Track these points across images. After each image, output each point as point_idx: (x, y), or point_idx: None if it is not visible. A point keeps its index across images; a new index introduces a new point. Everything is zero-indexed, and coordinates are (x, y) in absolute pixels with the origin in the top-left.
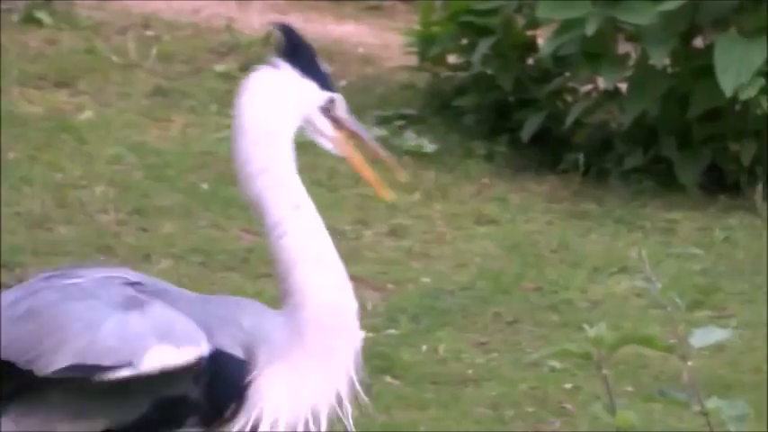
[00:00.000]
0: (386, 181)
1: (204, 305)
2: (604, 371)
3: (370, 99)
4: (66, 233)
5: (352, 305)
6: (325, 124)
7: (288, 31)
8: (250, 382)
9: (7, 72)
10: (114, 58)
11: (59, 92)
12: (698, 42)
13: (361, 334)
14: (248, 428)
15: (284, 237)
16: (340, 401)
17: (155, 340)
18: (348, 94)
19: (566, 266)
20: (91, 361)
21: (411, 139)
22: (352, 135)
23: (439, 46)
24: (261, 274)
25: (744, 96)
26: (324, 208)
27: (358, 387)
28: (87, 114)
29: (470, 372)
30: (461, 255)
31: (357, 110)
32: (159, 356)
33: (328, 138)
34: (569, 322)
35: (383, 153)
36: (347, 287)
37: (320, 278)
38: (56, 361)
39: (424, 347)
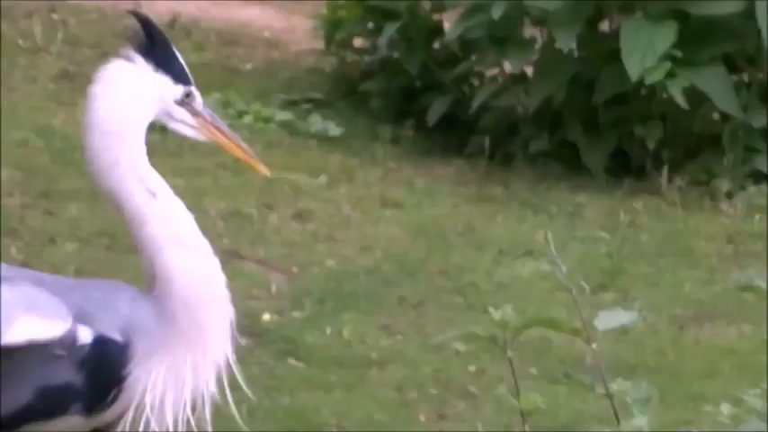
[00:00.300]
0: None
1: (83, 290)
2: (509, 353)
3: (276, 83)
4: None
5: (220, 283)
6: (184, 114)
7: (144, 22)
8: (129, 368)
9: None
10: (20, 42)
11: None
12: (604, 27)
13: (232, 309)
14: (131, 414)
15: (144, 225)
16: (220, 380)
17: (22, 311)
18: (254, 78)
19: (471, 250)
20: None
21: (317, 122)
22: (210, 126)
23: (345, 30)
24: None
25: (649, 81)
26: (229, 191)
27: (234, 364)
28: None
29: (375, 354)
30: (367, 238)
31: (263, 94)
32: (26, 327)
33: (189, 126)
34: (474, 305)
35: (243, 144)
36: (214, 267)
37: (183, 261)
38: None
39: (329, 330)
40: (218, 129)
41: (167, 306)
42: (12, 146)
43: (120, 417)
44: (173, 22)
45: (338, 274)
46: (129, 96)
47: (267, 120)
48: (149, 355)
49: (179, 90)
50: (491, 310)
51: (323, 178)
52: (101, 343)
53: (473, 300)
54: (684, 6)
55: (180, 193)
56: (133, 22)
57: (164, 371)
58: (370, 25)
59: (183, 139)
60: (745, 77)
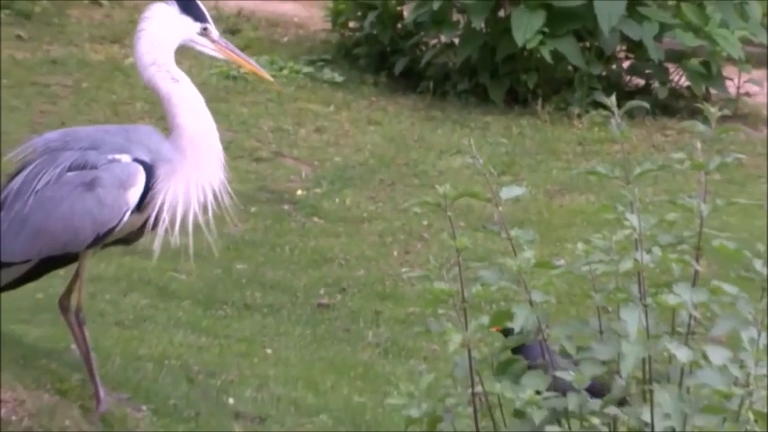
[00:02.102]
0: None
1: (125, 133)
2: (448, 213)
3: (302, 49)
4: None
5: (214, 134)
6: (205, 42)
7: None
8: (155, 182)
9: (81, 34)
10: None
11: (113, 46)
12: (501, 13)
13: (221, 150)
14: (154, 215)
15: (170, 98)
16: (215, 195)
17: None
18: (288, 46)
19: (423, 150)
20: None
21: (327, 73)
22: (225, 48)
23: (344, 16)
24: None
25: (529, 46)
26: (275, 115)
27: (226, 184)
28: (130, 60)
29: (365, 215)
30: (359, 144)
31: (294, 56)
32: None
33: (211, 49)
34: (425, 184)
35: (251, 60)
36: (211, 125)
37: (192, 119)
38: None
39: (337, 200)
40: (231, 51)
41: (180, 145)
42: (142, 88)
43: (147, 219)
44: (239, 12)
45: (342, 166)
46: (160, 26)
47: (297, 72)
48: (168, 176)
49: (198, 26)
50: (437, 187)
51: (332, 107)
52: (137, 162)
53: (425, 180)
54: (550, 0)
55: (244, 116)
56: None
57: (176, 185)
58: (359, 13)
59: (248, 84)
60: (588, 44)
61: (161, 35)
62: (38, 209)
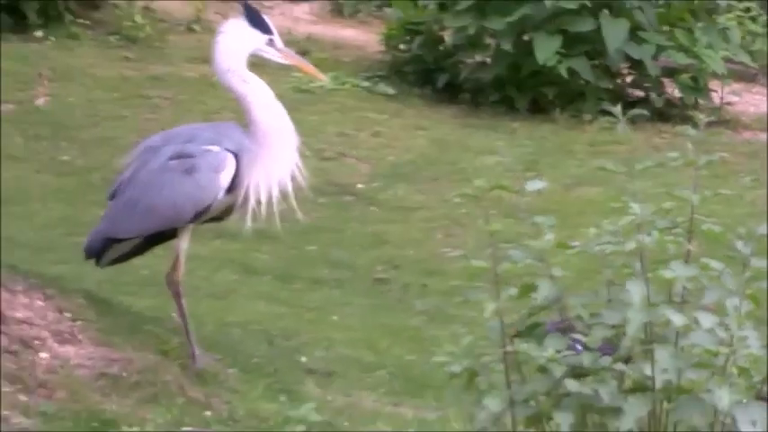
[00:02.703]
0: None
1: (215, 129)
2: (483, 203)
3: (361, 67)
4: None
5: (288, 126)
6: (272, 51)
7: (247, 6)
8: (240, 170)
9: (178, 56)
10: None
11: (204, 65)
12: (526, 38)
13: (298, 142)
14: (242, 195)
15: (245, 98)
16: (293, 180)
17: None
18: (350, 65)
19: (461, 151)
20: None
21: (382, 87)
22: (289, 55)
23: (395, 40)
24: None
25: (549, 64)
26: (340, 122)
27: (302, 172)
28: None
29: (414, 204)
30: (408, 146)
31: (354, 73)
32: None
33: (277, 56)
34: (464, 179)
35: (309, 65)
36: (285, 119)
37: (267, 114)
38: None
39: (390, 192)
40: (293, 57)
41: (257, 137)
42: (229, 100)
43: (234, 203)
44: (308, 36)
45: (394, 164)
46: (232, 39)
47: (356, 86)
48: (250, 162)
49: (265, 38)
50: (474, 181)
51: (386, 115)
52: (226, 151)
53: (463, 176)
54: (565, 26)
55: (314, 123)
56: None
57: (258, 170)
58: (408, 38)
59: (317, 96)
60: (597, 62)
61: (234, 46)
62: (147, 192)
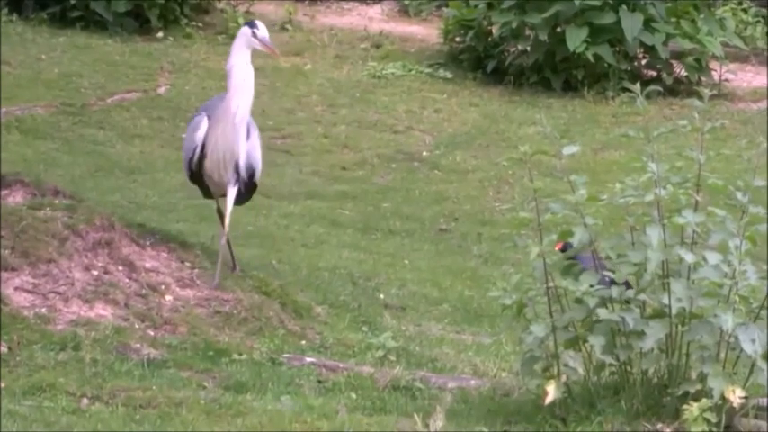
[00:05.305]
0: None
1: (215, 98)
2: (527, 165)
3: (424, 56)
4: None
5: (247, 108)
6: (256, 42)
7: (250, 21)
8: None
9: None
10: (317, 43)
11: (296, 57)
12: (559, 29)
13: (247, 120)
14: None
15: (228, 74)
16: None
17: None
18: (414, 54)
19: (507, 123)
20: None
21: (441, 73)
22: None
23: (451, 33)
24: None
25: (578, 51)
26: (408, 101)
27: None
28: (308, 66)
29: (469, 167)
30: (464, 120)
31: (418, 61)
32: None
33: (260, 45)
34: (510, 146)
35: (276, 50)
36: (249, 101)
37: (238, 94)
38: None
39: (450, 158)
40: (263, 42)
41: (225, 108)
42: (317, 85)
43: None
44: (380, 32)
45: (452, 135)
46: (241, 39)
47: (420, 72)
48: (212, 127)
49: (250, 31)
50: (519, 147)
51: (445, 95)
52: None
53: (509, 143)
54: (591, 19)
55: (386, 103)
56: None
57: (215, 135)
58: (462, 31)
59: (388, 81)
60: (617, 49)
61: (239, 44)
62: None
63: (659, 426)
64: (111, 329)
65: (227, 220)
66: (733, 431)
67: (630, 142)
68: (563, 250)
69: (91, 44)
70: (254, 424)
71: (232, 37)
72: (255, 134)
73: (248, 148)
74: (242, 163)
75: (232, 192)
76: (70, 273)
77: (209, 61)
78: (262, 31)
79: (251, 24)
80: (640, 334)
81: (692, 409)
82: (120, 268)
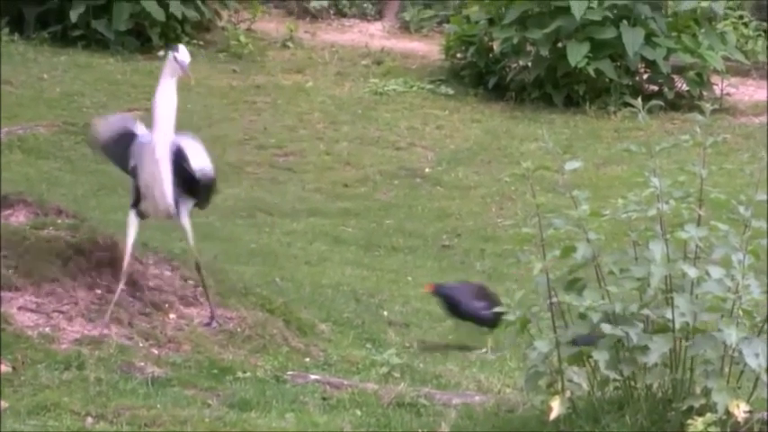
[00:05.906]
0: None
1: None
2: (529, 180)
3: (425, 72)
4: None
5: (166, 144)
6: (177, 66)
7: (173, 45)
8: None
9: (276, 67)
10: (318, 60)
11: (297, 75)
12: (559, 45)
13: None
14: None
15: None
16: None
17: None
18: (416, 71)
19: (509, 138)
20: None
21: (443, 89)
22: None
23: (453, 49)
24: None
25: (579, 66)
26: (410, 119)
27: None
28: (309, 83)
29: (472, 183)
30: (466, 135)
31: (420, 77)
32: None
33: (180, 70)
34: (512, 161)
35: (190, 74)
36: (168, 135)
37: (158, 127)
38: None
39: (452, 175)
40: (183, 69)
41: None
42: (319, 102)
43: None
44: (382, 49)
45: (454, 151)
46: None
47: (422, 88)
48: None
49: (172, 55)
50: (521, 163)
51: (447, 111)
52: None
53: (511, 159)
54: (592, 34)
55: (388, 119)
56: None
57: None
58: (463, 47)
59: (390, 98)
60: (618, 63)
61: (165, 72)
62: None
63: None
64: (115, 348)
65: (191, 244)
66: None
67: (632, 157)
68: (435, 293)
69: (92, 63)
70: None
71: (233, 55)
72: (193, 148)
73: (195, 167)
74: (170, 195)
75: (184, 220)
76: (74, 292)
77: (211, 79)
78: (182, 54)
79: (173, 48)
80: (644, 349)
81: (697, 423)
82: (124, 287)
